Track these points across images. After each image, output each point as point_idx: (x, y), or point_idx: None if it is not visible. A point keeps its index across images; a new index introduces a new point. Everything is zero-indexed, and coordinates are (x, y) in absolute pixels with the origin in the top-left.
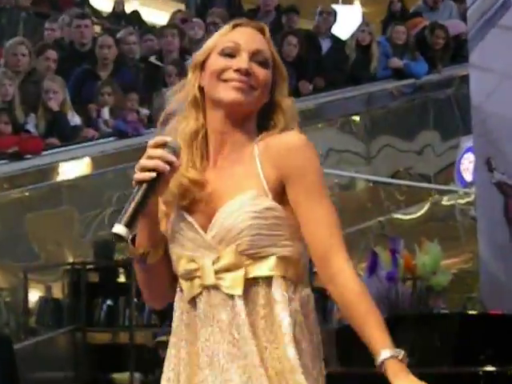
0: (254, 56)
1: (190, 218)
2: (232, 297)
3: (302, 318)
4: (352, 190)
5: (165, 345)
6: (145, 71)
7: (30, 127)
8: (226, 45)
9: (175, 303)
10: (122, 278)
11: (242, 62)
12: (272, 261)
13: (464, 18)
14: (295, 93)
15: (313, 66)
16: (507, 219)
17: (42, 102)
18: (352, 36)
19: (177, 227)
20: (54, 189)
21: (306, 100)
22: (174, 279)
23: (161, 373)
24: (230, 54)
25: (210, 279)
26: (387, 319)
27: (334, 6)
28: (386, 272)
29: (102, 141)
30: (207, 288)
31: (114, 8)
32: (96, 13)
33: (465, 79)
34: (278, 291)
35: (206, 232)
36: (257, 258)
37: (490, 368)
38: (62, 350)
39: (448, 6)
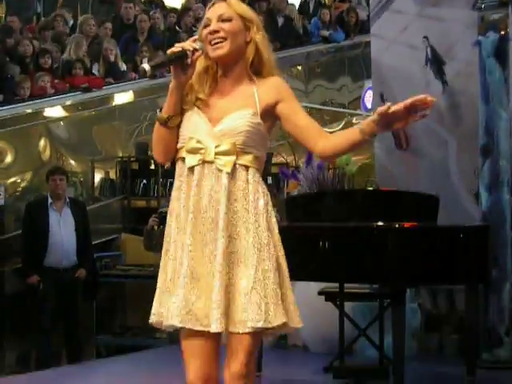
0: (220, 18)
1: (203, 115)
2: (220, 172)
3: (268, 196)
4: None
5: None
6: (167, 38)
7: (95, 71)
8: (203, 21)
9: (177, 168)
10: (152, 166)
11: (211, 26)
12: (251, 157)
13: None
14: None
15: (272, 34)
16: (392, 133)
17: (102, 55)
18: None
19: (193, 118)
20: (110, 110)
21: None
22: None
23: None
24: (207, 25)
25: (211, 157)
26: (317, 194)
27: None
28: (317, 163)
29: (139, 80)
30: (204, 162)
31: None
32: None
33: (368, 44)
34: (254, 175)
35: (213, 126)
36: (243, 152)
37: (380, 223)
38: (115, 211)
39: None
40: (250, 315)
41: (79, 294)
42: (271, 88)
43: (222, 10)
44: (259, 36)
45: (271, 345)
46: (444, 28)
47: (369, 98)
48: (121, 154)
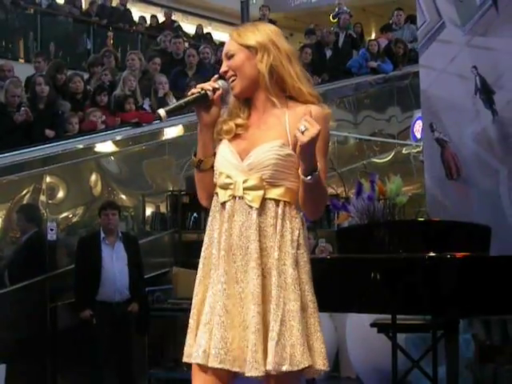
0: (227, 56)
1: (232, 149)
2: (251, 207)
3: (302, 230)
4: (346, 144)
5: None
6: (217, 72)
7: (146, 106)
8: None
9: (213, 202)
10: None
11: (222, 67)
12: (282, 189)
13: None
14: None
15: (320, 66)
16: (442, 161)
17: (153, 91)
18: None
19: (223, 152)
20: (161, 145)
21: (316, 88)
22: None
23: None
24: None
25: (239, 192)
26: (368, 225)
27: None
28: (367, 195)
29: (190, 114)
30: (235, 197)
31: (196, 31)
32: (185, 34)
33: (416, 74)
34: (284, 210)
35: (242, 160)
36: (272, 185)
37: (432, 254)
38: (166, 245)
39: (410, 28)
40: (275, 358)
41: (132, 329)
42: (299, 119)
43: (227, 48)
44: (268, 58)
45: (324, 377)
46: (493, 57)
47: (418, 128)
48: (171, 188)
